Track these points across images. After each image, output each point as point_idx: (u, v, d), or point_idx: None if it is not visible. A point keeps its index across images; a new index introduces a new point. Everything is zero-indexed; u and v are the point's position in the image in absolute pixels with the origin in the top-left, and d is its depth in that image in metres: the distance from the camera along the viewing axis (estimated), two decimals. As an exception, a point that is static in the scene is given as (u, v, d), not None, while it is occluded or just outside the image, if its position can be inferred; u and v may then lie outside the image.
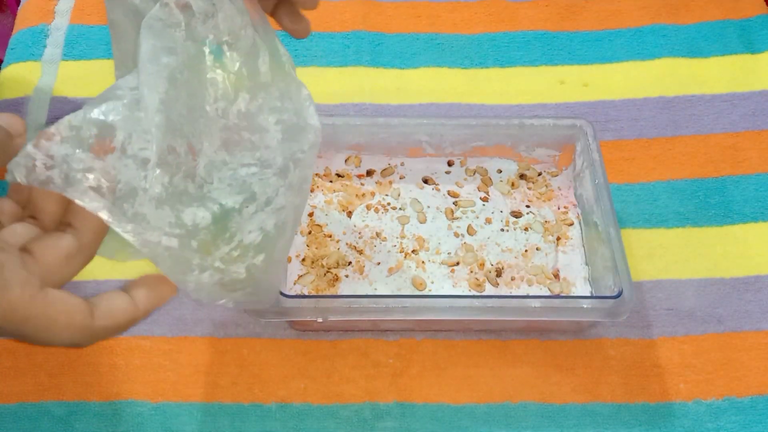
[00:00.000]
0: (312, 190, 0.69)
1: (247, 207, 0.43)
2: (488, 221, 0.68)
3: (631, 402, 0.62)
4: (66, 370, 0.62)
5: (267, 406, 0.61)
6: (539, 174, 0.71)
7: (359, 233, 0.67)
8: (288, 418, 0.60)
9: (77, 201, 0.37)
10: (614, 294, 0.60)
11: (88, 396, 0.61)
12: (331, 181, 0.70)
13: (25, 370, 0.62)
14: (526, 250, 0.66)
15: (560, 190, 0.70)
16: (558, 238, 0.67)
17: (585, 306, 0.60)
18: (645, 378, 0.63)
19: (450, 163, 0.72)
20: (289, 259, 0.65)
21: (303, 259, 0.65)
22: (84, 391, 0.61)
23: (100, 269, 0.67)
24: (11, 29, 0.86)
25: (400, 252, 0.66)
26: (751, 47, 0.85)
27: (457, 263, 0.65)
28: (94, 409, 0.60)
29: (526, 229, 0.67)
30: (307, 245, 0.66)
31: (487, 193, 0.70)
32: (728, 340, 0.65)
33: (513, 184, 0.71)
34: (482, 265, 0.65)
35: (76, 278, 0.66)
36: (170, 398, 0.61)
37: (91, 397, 0.61)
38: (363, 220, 0.67)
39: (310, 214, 0.67)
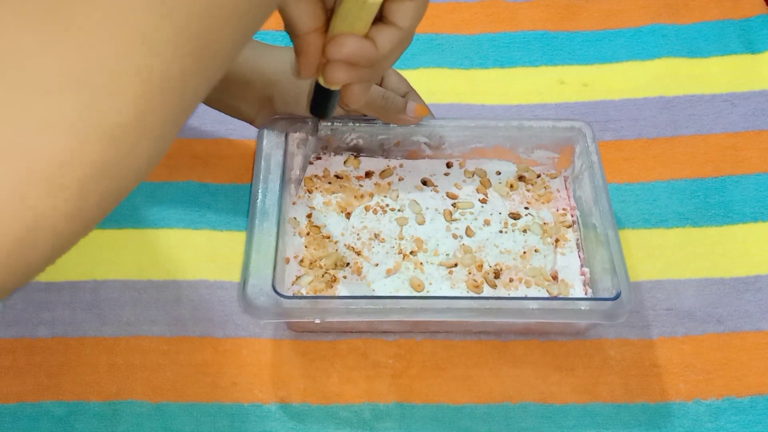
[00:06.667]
0: (311, 191, 0.69)
1: None
2: (487, 223, 0.68)
3: (631, 402, 0.62)
4: (65, 370, 0.62)
5: (266, 406, 0.61)
6: (538, 176, 0.71)
7: (358, 234, 0.67)
8: (288, 418, 0.61)
9: None
10: (612, 296, 0.59)
11: (87, 396, 0.61)
12: (329, 183, 0.70)
13: (24, 369, 0.62)
14: (524, 252, 0.66)
15: (559, 191, 0.70)
16: (556, 240, 0.67)
17: (583, 308, 0.60)
18: (645, 378, 0.63)
19: (449, 165, 0.72)
20: (288, 260, 0.65)
21: (301, 260, 0.65)
22: (83, 391, 0.61)
23: (100, 269, 0.67)
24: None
25: (399, 253, 0.66)
26: (751, 47, 0.84)
27: (456, 265, 0.65)
28: (94, 409, 0.61)
29: (524, 231, 0.67)
30: (306, 246, 0.66)
31: (485, 194, 0.70)
32: (728, 340, 0.65)
33: (512, 186, 0.71)
34: (480, 266, 0.65)
35: (76, 279, 0.67)
36: (170, 398, 0.61)
37: (91, 397, 0.61)
38: (361, 222, 0.67)
39: (309, 215, 0.67)
